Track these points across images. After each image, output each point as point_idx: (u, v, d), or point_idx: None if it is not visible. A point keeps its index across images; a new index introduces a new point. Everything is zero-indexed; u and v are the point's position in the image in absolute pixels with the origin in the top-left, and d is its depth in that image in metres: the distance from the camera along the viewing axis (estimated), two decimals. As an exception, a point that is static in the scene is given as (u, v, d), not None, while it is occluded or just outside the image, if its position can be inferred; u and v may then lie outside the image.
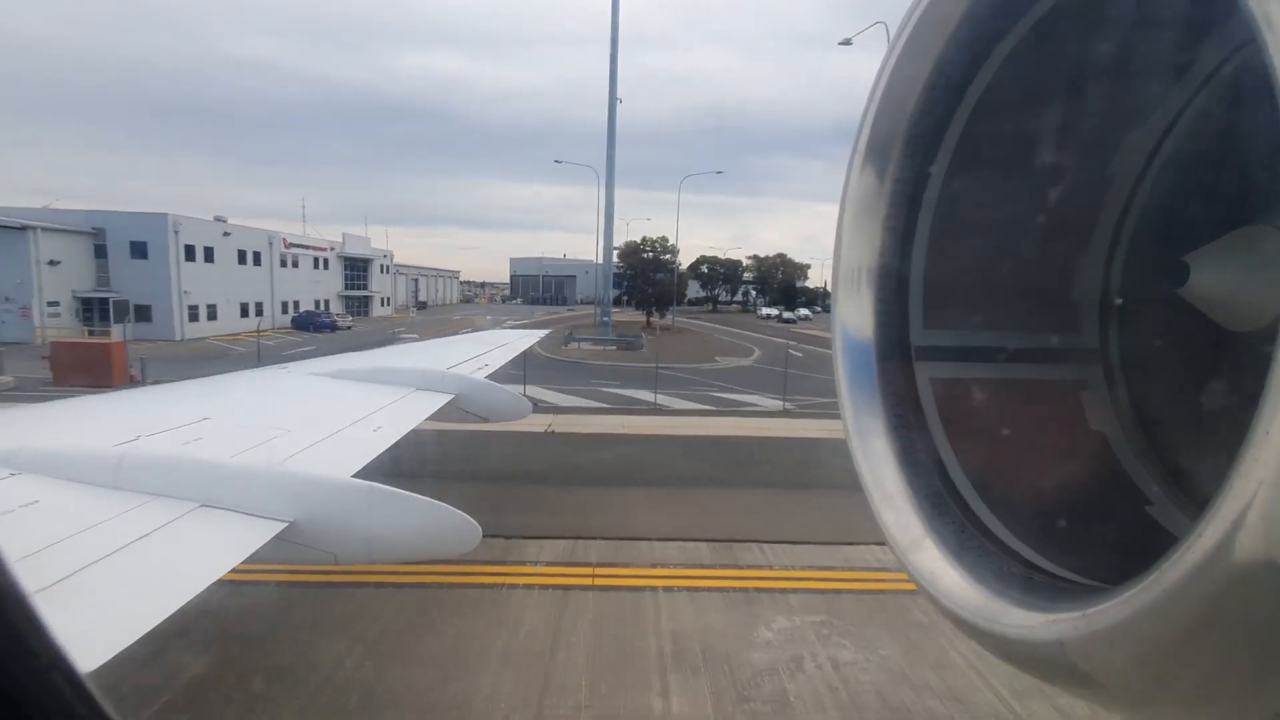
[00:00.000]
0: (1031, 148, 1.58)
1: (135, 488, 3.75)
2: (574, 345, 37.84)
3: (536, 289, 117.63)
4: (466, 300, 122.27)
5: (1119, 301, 1.66)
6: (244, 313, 50.17)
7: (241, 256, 51.39)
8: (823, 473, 12.51)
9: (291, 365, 8.94)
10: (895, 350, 1.63)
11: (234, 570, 3.28)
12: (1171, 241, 1.46)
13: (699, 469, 13.37)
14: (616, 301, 51.45)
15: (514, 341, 13.93)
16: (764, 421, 18.64)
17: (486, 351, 11.66)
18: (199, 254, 46.01)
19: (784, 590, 7.95)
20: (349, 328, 52.63)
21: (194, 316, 44.97)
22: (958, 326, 1.66)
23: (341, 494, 4.17)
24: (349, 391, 7.40)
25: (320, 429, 5.58)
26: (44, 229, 38.99)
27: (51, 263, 38.81)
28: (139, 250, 43.06)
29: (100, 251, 42.69)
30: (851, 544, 9.03)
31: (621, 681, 6.01)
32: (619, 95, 43.46)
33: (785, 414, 19.73)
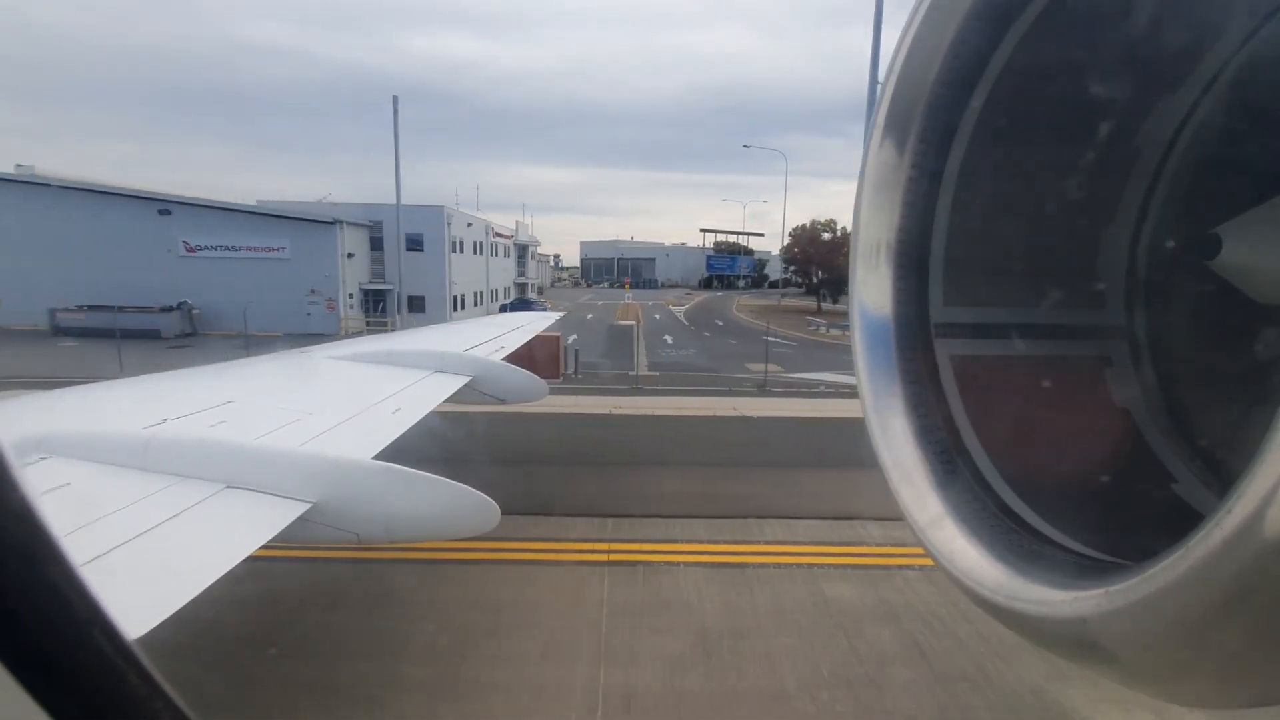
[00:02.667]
0: (1057, 119, 1.54)
1: (163, 469, 3.84)
2: (829, 331, 37.63)
3: (611, 272, 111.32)
4: (554, 285, 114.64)
5: (1146, 278, 1.62)
6: (475, 301, 51.40)
7: (475, 246, 52.49)
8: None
9: (311, 349, 9.05)
10: (914, 327, 1.61)
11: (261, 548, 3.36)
12: (1200, 214, 1.42)
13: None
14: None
15: (530, 324, 13.99)
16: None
17: (503, 334, 11.72)
18: (457, 245, 47.05)
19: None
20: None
21: (455, 306, 46.01)
22: (979, 303, 1.63)
23: (362, 475, 4.24)
24: (368, 374, 7.48)
25: (341, 411, 5.66)
26: (347, 224, 39.88)
27: (349, 255, 39.58)
28: (414, 242, 43.14)
29: (376, 244, 43.13)
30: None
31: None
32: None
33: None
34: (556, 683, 5.71)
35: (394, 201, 38.57)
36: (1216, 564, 0.75)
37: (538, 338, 23.12)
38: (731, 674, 5.82)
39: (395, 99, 27.19)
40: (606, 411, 16.29)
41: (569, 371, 22.12)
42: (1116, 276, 1.65)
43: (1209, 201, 1.46)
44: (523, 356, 22.29)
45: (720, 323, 46.60)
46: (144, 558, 3.02)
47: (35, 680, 0.52)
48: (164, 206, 37.67)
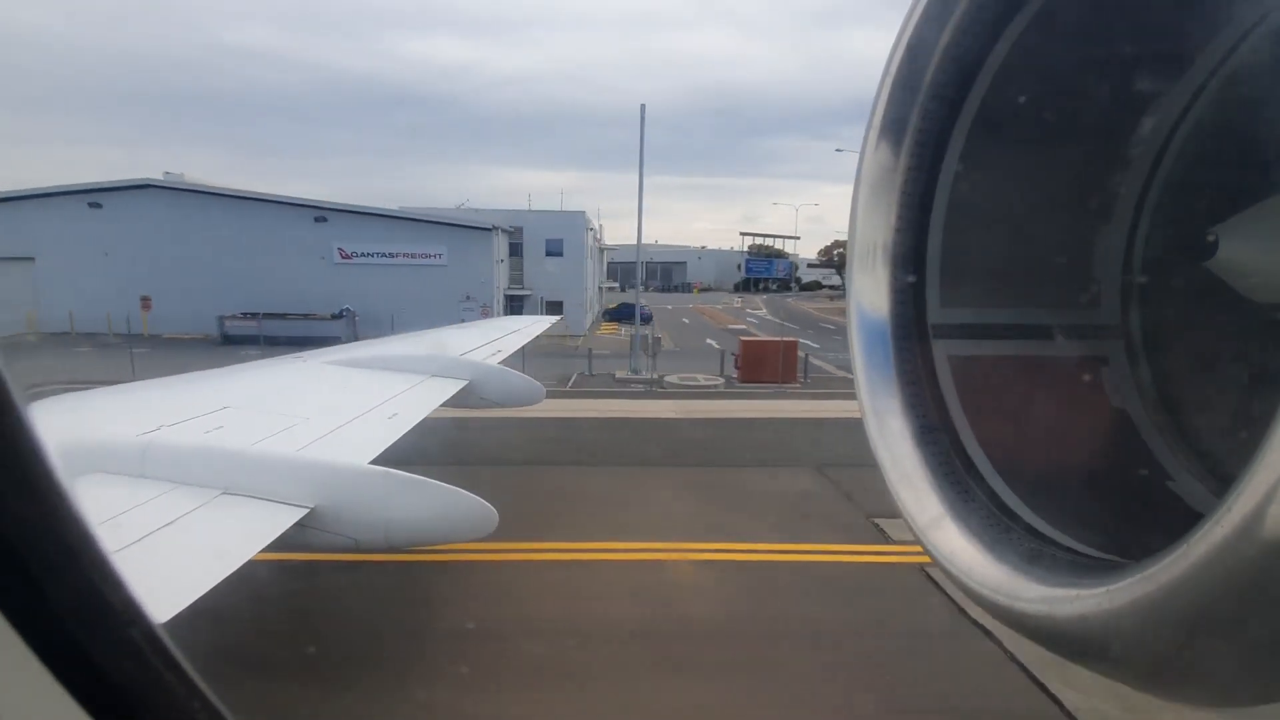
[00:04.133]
0: (1052, 120, 1.54)
1: (160, 476, 3.82)
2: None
3: (639, 275, 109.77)
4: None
5: (1142, 278, 1.63)
6: (591, 306, 51.33)
7: (588, 252, 52.45)
8: None
9: (306, 354, 9.02)
10: (912, 328, 1.61)
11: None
12: (1196, 214, 1.43)
13: None
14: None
15: (526, 328, 13.97)
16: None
17: (500, 337, 11.72)
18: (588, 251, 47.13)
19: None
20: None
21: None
22: (976, 303, 1.63)
23: (360, 480, 4.23)
24: (364, 379, 7.46)
25: (337, 417, 5.65)
26: (502, 230, 39.84)
27: (500, 261, 39.40)
28: (554, 247, 43.49)
29: (515, 250, 43.02)
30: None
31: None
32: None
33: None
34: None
35: (527, 207, 37.99)
36: (1217, 562, 0.75)
37: (782, 342, 23.12)
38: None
39: (643, 107, 25.69)
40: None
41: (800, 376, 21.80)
42: (1113, 276, 1.65)
43: (1205, 202, 1.47)
44: (764, 362, 21.77)
45: (830, 326, 46.07)
46: (140, 565, 3.00)
47: (75, 678, 0.53)
48: (320, 214, 37.50)
